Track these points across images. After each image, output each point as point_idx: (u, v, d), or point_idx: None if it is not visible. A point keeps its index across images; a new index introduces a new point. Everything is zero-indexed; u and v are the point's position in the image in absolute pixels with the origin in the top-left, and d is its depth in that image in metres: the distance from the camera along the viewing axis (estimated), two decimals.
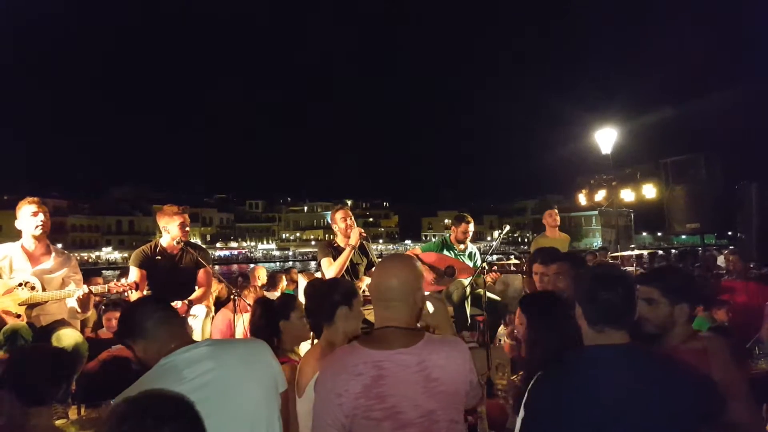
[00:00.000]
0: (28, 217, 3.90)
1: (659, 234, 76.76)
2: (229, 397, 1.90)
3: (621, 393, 1.81)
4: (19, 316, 3.74)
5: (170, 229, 4.53)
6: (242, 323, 5.20)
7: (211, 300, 5.90)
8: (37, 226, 3.91)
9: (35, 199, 4.00)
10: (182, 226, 4.47)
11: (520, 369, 3.57)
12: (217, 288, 5.53)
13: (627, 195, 9.82)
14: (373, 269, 2.39)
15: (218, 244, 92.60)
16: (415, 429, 1.86)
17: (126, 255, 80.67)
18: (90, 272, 6.44)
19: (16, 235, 4.05)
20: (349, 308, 2.54)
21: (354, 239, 4.83)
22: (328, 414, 1.89)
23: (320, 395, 1.94)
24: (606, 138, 12.68)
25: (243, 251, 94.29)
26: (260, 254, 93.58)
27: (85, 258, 77.82)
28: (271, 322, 2.85)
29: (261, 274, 7.16)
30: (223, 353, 1.98)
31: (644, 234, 78.55)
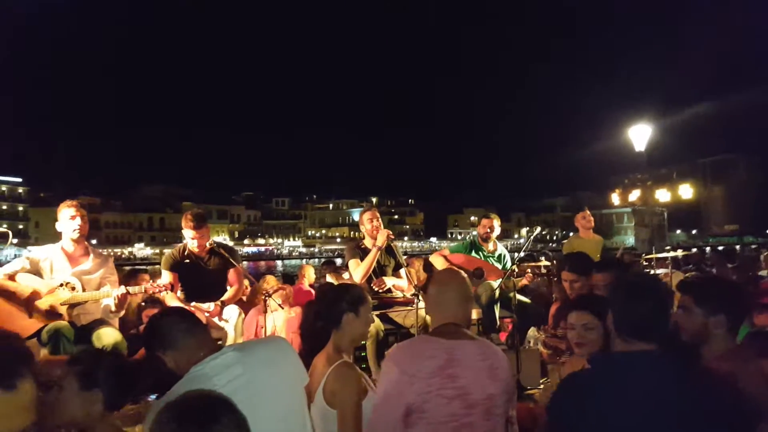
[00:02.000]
0: (67, 220, 4.02)
1: (693, 232, 74.71)
2: (260, 400, 1.93)
3: (645, 400, 1.78)
4: (60, 315, 3.85)
5: (185, 237, 4.61)
6: (272, 322, 5.27)
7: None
8: (74, 230, 4.02)
9: (74, 202, 4.11)
10: (192, 239, 4.50)
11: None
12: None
13: (662, 195, 9.55)
14: (433, 279, 2.57)
15: (246, 241, 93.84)
16: (480, 409, 2.12)
17: (157, 251, 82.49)
18: (133, 272, 6.63)
19: (52, 232, 4.17)
20: (356, 314, 2.55)
21: (381, 241, 4.84)
22: (397, 395, 2.10)
23: (389, 379, 2.15)
24: (640, 135, 12.38)
25: (270, 248, 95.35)
26: (286, 251, 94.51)
27: (119, 254, 79.81)
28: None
29: (309, 273, 7.23)
30: (249, 357, 2.02)
31: (678, 232, 76.66)
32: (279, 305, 5.15)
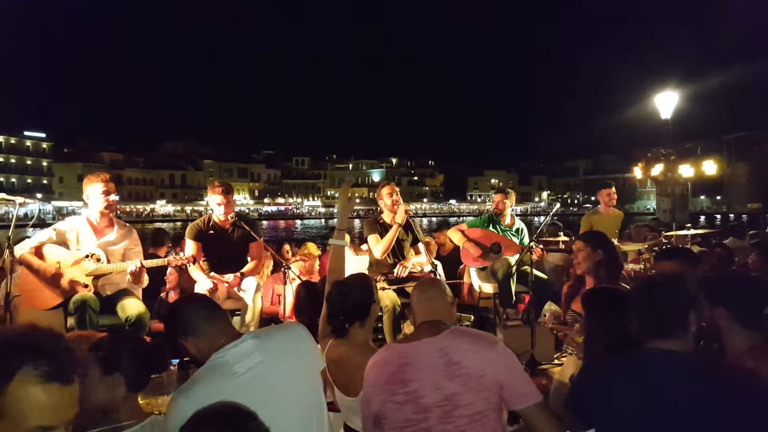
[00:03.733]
0: (98, 194, 4.08)
1: (718, 197, 72.82)
2: (278, 387, 1.98)
3: (665, 398, 1.79)
4: (86, 286, 3.97)
5: (211, 205, 4.69)
6: (292, 293, 5.37)
7: (266, 268, 6.10)
8: (107, 206, 4.11)
9: (106, 176, 4.17)
10: (218, 205, 4.57)
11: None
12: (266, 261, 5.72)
13: (685, 170, 9.31)
14: (415, 286, 2.45)
15: (266, 200, 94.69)
16: (437, 413, 1.98)
17: (179, 208, 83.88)
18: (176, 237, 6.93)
19: (75, 186, 4.31)
20: (376, 302, 2.61)
21: (400, 217, 4.85)
22: (366, 403, 2.16)
23: (364, 388, 2.21)
24: (666, 102, 12.03)
25: (289, 207, 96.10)
26: (306, 210, 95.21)
27: (141, 210, 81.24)
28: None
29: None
30: (267, 344, 2.06)
31: (702, 197, 75.08)
32: (297, 276, 5.23)
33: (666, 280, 2.09)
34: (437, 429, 1.98)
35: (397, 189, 5.20)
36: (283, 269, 4.78)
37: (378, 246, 4.88)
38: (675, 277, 2.18)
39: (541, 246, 5.43)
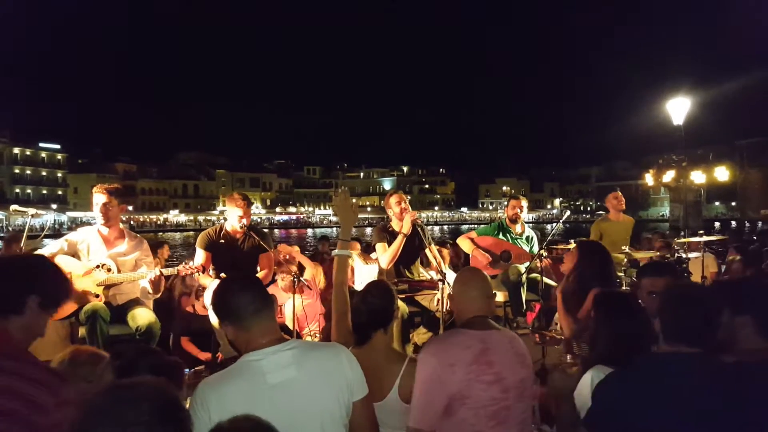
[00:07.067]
0: (94, 205, 4.14)
1: (733, 204, 71.68)
2: (303, 408, 1.93)
3: (693, 402, 1.81)
4: (97, 296, 4.00)
5: (229, 216, 4.70)
6: (301, 304, 5.37)
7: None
8: (99, 215, 4.13)
9: (102, 187, 4.18)
10: (240, 218, 4.58)
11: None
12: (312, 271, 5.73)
13: (697, 177, 9.19)
14: (456, 278, 2.62)
15: (278, 209, 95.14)
16: (514, 393, 2.29)
17: (191, 218, 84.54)
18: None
19: (90, 197, 4.30)
20: (398, 309, 2.69)
21: (406, 228, 4.83)
22: (440, 385, 2.23)
23: (429, 370, 2.26)
24: (678, 108, 11.95)
25: (301, 216, 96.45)
26: (317, 219, 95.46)
27: (154, 220, 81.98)
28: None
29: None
30: (306, 361, 1.99)
31: (717, 204, 74.02)
32: (307, 285, 5.23)
33: (696, 292, 2.10)
34: (515, 407, 2.29)
35: (406, 198, 5.19)
36: (292, 279, 4.78)
37: (384, 255, 4.87)
38: (703, 289, 2.20)
39: (547, 256, 5.39)
